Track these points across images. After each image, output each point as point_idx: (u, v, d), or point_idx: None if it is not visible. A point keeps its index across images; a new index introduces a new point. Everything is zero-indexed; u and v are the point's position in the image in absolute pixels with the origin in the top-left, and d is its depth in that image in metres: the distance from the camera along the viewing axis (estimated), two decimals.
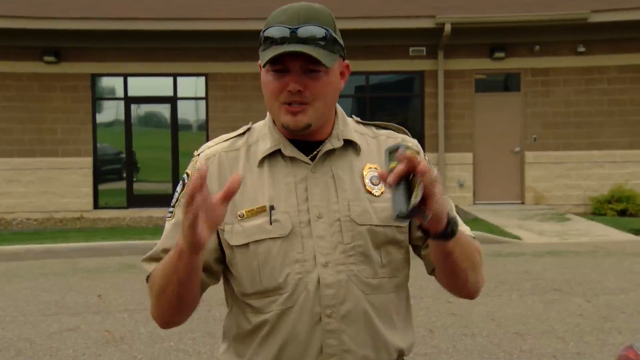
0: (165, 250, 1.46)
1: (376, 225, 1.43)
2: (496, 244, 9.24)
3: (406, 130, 1.57)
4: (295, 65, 1.38)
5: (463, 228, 1.49)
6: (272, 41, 1.38)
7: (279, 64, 1.39)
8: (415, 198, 1.21)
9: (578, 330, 5.13)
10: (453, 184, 12.84)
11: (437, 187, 1.23)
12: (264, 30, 1.40)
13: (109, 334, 5.19)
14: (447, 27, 12.08)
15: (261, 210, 1.44)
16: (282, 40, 1.37)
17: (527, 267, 7.53)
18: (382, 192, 1.45)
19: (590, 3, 12.48)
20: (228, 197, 1.27)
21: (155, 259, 1.51)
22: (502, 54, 12.74)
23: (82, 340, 5.06)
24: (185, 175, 1.54)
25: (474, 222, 10.77)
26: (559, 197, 12.92)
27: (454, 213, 1.46)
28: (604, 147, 12.87)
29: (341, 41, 1.45)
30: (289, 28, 1.37)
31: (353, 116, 1.58)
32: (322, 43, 1.38)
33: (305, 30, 1.37)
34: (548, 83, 12.94)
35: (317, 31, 1.38)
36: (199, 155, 1.54)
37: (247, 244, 1.44)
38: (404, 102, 13.74)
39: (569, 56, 12.80)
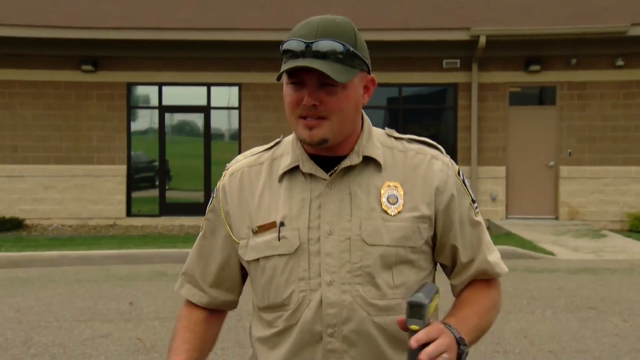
0: (193, 278, 1.62)
1: (387, 246, 1.40)
2: (529, 259, 9.10)
3: (439, 147, 1.53)
4: (310, 79, 1.37)
5: (491, 258, 1.52)
6: (290, 54, 1.38)
7: (296, 77, 1.39)
8: None
9: (615, 351, 5.01)
10: (485, 198, 12.71)
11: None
12: (283, 43, 1.40)
13: (140, 342, 5.22)
14: (482, 40, 11.99)
15: (271, 226, 1.44)
16: (299, 54, 1.36)
17: (561, 284, 7.39)
18: (398, 212, 1.42)
19: (630, 16, 12.29)
20: None
21: (186, 274, 1.64)
22: (537, 67, 12.60)
23: (113, 347, 5.10)
24: (215, 190, 1.59)
25: (506, 237, 10.63)
26: (595, 212, 12.69)
27: (487, 237, 1.53)
28: None
29: (364, 55, 1.43)
30: (305, 42, 1.36)
31: (386, 128, 1.55)
32: (339, 57, 1.36)
33: (320, 45, 1.36)
34: (584, 97, 12.75)
35: (333, 46, 1.36)
36: (227, 170, 1.58)
37: (257, 260, 1.45)
38: (436, 115, 13.67)
39: (607, 70, 12.60)
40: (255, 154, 1.56)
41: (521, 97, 13.16)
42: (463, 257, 1.49)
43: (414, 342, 1.24)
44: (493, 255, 1.52)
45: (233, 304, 1.62)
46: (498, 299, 1.54)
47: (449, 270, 1.53)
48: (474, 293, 1.50)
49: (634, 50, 12.44)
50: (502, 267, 1.54)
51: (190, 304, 1.62)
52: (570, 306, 6.36)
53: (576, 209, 12.76)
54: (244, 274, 1.57)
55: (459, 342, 1.35)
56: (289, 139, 1.53)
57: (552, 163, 12.90)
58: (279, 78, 1.41)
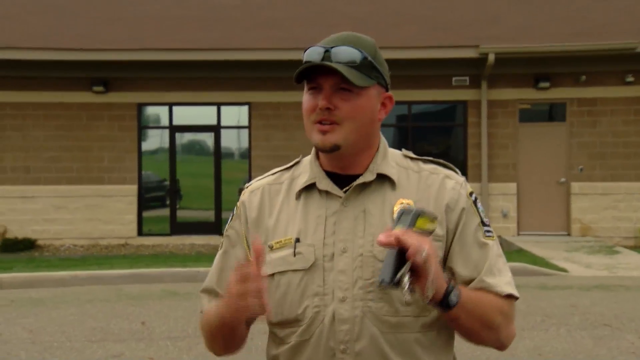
0: (213, 291, 1.57)
1: None
2: (541, 276, 9.03)
3: (454, 167, 1.54)
4: (327, 83, 1.40)
5: (495, 280, 1.45)
6: (307, 62, 1.41)
7: (313, 82, 1.42)
8: (402, 275, 1.23)
9: None
10: (496, 215, 12.65)
11: (429, 267, 1.24)
12: (305, 51, 1.44)
13: None
14: (491, 57, 12.01)
15: (288, 242, 1.46)
16: (317, 59, 1.40)
17: (575, 301, 7.33)
18: None
19: (637, 33, 12.28)
20: (259, 262, 1.31)
21: (209, 291, 1.60)
22: (547, 84, 12.60)
23: None
24: (235, 208, 1.60)
25: (518, 254, 10.57)
26: (607, 229, 12.61)
27: (495, 260, 1.46)
28: None
29: (383, 70, 1.46)
30: (324, 47, 1.40)
31: (403, 150, 1.57)
32: (357, 64, 1.39)
33: (339, 50, 1.40)
34: (595, 113, 12.72)
35: (351, 52, 1.40)
36: (247, 187, 1.59)
37: (272, 275, 1.46)
38: (446, 132, 13.67)
39: (617, 86, 12.59)
40: (276, 172, 1.59)
41: (531, 114, 13.15)
42: (461, 276, 1.45)
43: (382, 236, 1.23)
44: (497, 279, 1.45)
45: (254, 317, 1.60)
46: (507, 311, 1.45)
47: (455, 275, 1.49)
48: (477, 290, 1.44)
49: None
50: (503, 288, 1.44)
51: None
52: (585, 323, 6.30)
53: (588, 225, 12.68)
54: None
55: (449, 279, 1.33)
56: (308, 158, 1.55)
57: (563, 179, 12.85)
58: (296, 80, 1.43)
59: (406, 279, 1.23)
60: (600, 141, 12.71)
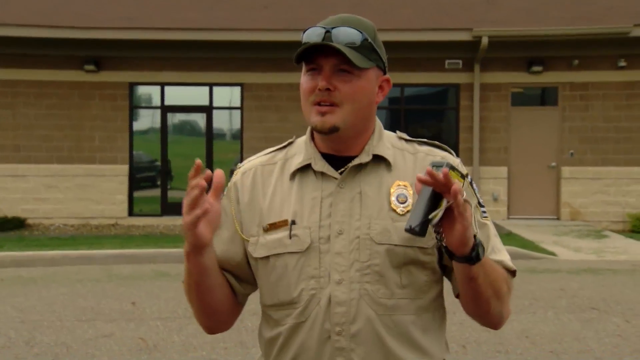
0: None
1: (396, 245, 1.41)
2: (531, 259, 9.10)
3: (449, 149, 1.55)
4: (327, 63, 1.39)
5: (499, 257, 1.48)
6: (306, 43, 1.40)
7: (313, 63, 1.41)
8: (434, 216, 1.21)
9: (617, 352, 5.02)
10: (487, 198, 12.70)
11: (466, 210, 1.23)
12: (304, 32, 1.43)
13: (142, 342, 5.23)
14: (484, 40, 11.99)
15: (283, 224, 1.45)
16: (318, 40, 1.39)
17: (563, 285, 7.40)
18: (407, 211, 1.42)
19: (633, 17, 12.28)
20: (216, 192, 1.35)
21: None
22: (539, 68, 12.60)
23: (116, 347, 5.12)
24: (226, 188, 1.57)
25: (508, 237, 10.63)
26: (596, 213, 12.69)
27: (494, 239, 1.48)
28: None
29: (381, 53, 1.46)
30: (324, 28, 1.40)
31: (397, 132, 1.56)
32: (357, 46, 1.39)
33: (339, 31, 1.39)
34: (587, 97, 12.75)
35: (352, 33, 1.39)
36: (239, 168, 1.58)
37: (267, 257, 1.45)
38: (438, 115, 13.67)
39: (609, 70, 12.60)
40: (269, 153, 1.57)
41: (523, 98, 13.17)
42: None
43: (421, 175, 1.22)
44: (499, 255, 1.49)
45: (244, 295, 1.57)
46: (510, 282, 1.49)
47: (449, 271, 1.49)
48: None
49: (637, 52, 12.43)
50: (509, 264, 1.49)
51: None
52: (572, 307, 6.37)
53: (578, 210, 12.76)
54: (237, 276, 1.53)
55: (476, 236, 1.32)
56: (302, 139, 1.55)
57: (554, 164, 12.90)
58: (296, 60, 1.42)
59: (438, 218, 1.22)
60: (591, 126, 12.75)
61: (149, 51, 12.73)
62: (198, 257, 1.38)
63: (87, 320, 5.85)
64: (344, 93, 1.40)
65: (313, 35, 1.40)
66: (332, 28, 1.39)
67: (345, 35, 1.39)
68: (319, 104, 1.41)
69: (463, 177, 1.31)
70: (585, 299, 6.66)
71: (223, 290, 1.49)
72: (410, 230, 1.22)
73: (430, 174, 1.21)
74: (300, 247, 1.43)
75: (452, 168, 1.26)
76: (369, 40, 1.41)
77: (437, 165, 1.25)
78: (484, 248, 1.33)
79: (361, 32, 1.40)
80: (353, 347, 1.40)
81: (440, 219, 1.24)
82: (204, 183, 1.29)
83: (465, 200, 1.23)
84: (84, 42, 12.42)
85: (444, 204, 1.22)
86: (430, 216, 1.21)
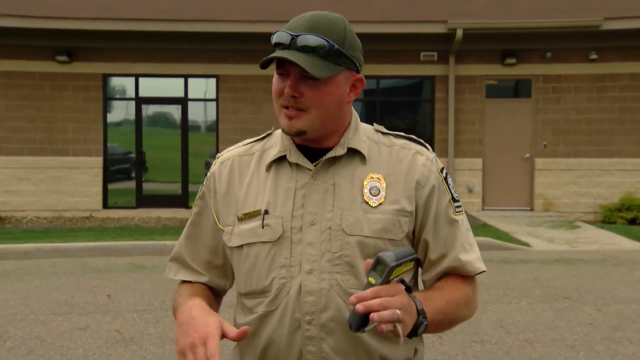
0: (182, 260, 1.61)
1: (367, 237, 1.43)
2: (505, 250, 9.21)
3: (425, 143, 1.56)
4: (293, 70, 1.41)
5: (468, 257, 1.49)
6: (275, 45, 1.42)
7: (281, 68, 1.43)
8: (369, 327, 1.25)
9: (588, 340, 5.11)
10: (462, 190, 12.82)
11: (399, 325, 1.25)
12: (273, 34, 1.44)
13: (119, 334, 5.20)
14: (459, 33, 12.07)
15: (256, 213, 1.47)
16: (285, 46, 1.40)
17: (537, 275, 7.50)
18: (379, 203, 1.45)
19: (604, 10, 12.45)
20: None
21: (177, 260, 1.62)
22: (513, 60, 12.72)
23: (92, 339, 5.08)
24: (205, 178, 1.61)
25: (483, 228, 10.75)
26: (569, 204, 12.88)
27: (466, 234, 1.52)
28: (614, 155, 12.82)
29: (353, 54, 1.45)
30: (291, 35, 1.40)
31: (375, 124, 1.58)
32: (323, 53, 1.39)
33: (304, 39, 1.39)
34: (559, 90, 12.91)
35: (316, 41, 1.39)
36: (218, 158, 1.60)
37: (241, 246, 1.48)
38: (414, 107, 13.74)
39: (581, 63, 12.77)
40: (247, 144, 1.60)
41: (497, 90, 13.29)
42: (433, 252, 1.49)
43: (354, 298, 1.23)
44: (469, 255, 1.50)
45: (225, 289, 1.63)
46: (471, 297, 1.52)
47: (421, 263, 1.54)
48: (445, 283, 1.50)
49: (608, 44, 12.61)
50: (476, 266, 1.51)
51: (186, 282, 1.60)
52: (546, 296, 6.46)
53: (551, 201, 12.93)
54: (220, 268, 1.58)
55: (420, 312, 1.33)
56: (280, 130, 1.55)
57: (527, 155, 13.05)
58: (262, 66, 1.43)
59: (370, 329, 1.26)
60: (564, 118, 12.92)
61: (123, 42, 12.59)
62: None
63: (62, 314, 5.80)
64: (310, 99, 1.41)
65: (281, 38, 1.41)
66: (298, 36, 1.39)
67: (311, 42, 1.39)
68: (287, 107, 1.43)
69: (412, 260, 1.29)
70: (558, 289, 6.77)
71: (209, 301, 1.51)
72: (351, 328, 1.26)
73: (354, 301, 1.23)
74: (272, 236, 1.45)
75: (396, 266, 1.26)
76: (336, 46, 1.41)
77: (381, 263, 1.26)
78: (426, 325, 1.34)
79: (327, 40, 1.40)
80: (323, 336, 1.42)
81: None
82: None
83: (395, 324, 1.25)
84: (56, 32, 12.24)
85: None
86: (366, 329, 1.25)
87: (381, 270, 1.25)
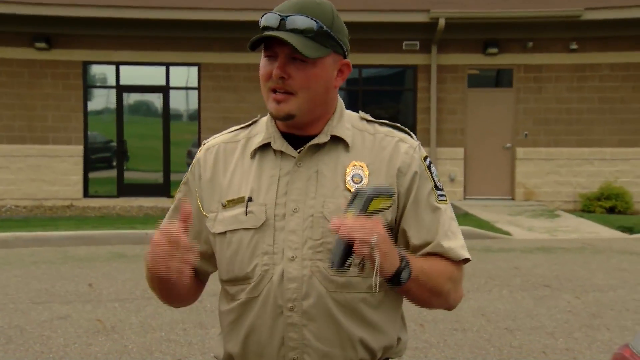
0: None
1: None
2: (486, 239, 9.29)
3: (408, 131, 1.56)
4: (282, 52, 1.41)
5: (451, 243, 1.49)
6: (264, 27, 1.42)
7: (269, 50, 1.42)
8: (350, 263, 1.28)
9: (567, 327, 5.18)
10: (444, 179, 12.87)
11: (377, 253, 1.27)
12: (262, 17, 1.44)
13: (100, 323, 5.18)
14: (441, 22, 12.09)
15: (240, 200, 1.47)
16: (274, 28, 1.40)
17: (517, 263, 7.58)
18: None
19: (584, 0, 12.51)
20: (185, 226, 1.35)
21: None
22: (495, 50, 12.77)
23: (72, 329, 5.05)
24: (190, 165, 1.61)
25: (464, 217, 10.82)
26: (549, 193, 13.00)
27: (450, 222, 1.51)
28: (594, 144, 12.94)
29: (341, 38, 1.46)
30: (280, 15, 1.40)
31: (360, 112, 1.58)
32: (312, 35, 1.40)
33: (293, 20, 1.39)
34: (540, 79, 12.99)
35: (306, 22, 1.39)
36: (204, 145, 1.60)
37: (224, 233, 1.48)
38: (396, 96, 13.76)
39: (562, 53, 12.85)
40: (233, 131, 1.59)
41: (479, 80, 13.34)
42: (415, 239, 1.48)
43: (335, 222, 1.26)
44: (452, 242, 1.49)
45: (207, 273, 1.63)
46: (456, 275, 1.50)
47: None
48: (429, 257, 1.48)
49: (588, 35, 12.70)
50: (460, 252, 1.49)
51: None
52: (526, 284, 6.53)
53: (531, 190, 13.04)
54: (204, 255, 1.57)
55: (402, 259, 1.35)
56: (265, 118, 1.56)
57: (508, 145, 13.13)
58: (251, 47, 1.42)
59: (354, 265, 1.28)
60: (544, 107, 13.01)
61: (103, 29, 12.45)
62: (160, 276, 1.39)
63: (42, 303, 5.76)
64: (299, 81, 1.41)
65: (270, 20, 1.41)
66: (287, 16, 1.39)
67: (300, 23, 1.39)
68: (274, 91, 1.42)
69: (391, 196, 1.35)
70: (539, 277, 6.84)
71: (187, 283, 1.49)
72: (332, 267, 1.28)
73: (335, 229, 1.26)
74: (255, 223, 1.45)
75: (375, 196, 1.29)
76: (325, 28, 1.41)
77: (360, 194, 1.29)
78: (409, 271, 1.36)
79: (316, 21, 1.40)
80: (305, 323, 1.42)
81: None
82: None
83: (374, 247, 1.27)
84: (35, 18, 12.07)
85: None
86: (346, 263, 1.27)
87: (359, 202, 1.28)
